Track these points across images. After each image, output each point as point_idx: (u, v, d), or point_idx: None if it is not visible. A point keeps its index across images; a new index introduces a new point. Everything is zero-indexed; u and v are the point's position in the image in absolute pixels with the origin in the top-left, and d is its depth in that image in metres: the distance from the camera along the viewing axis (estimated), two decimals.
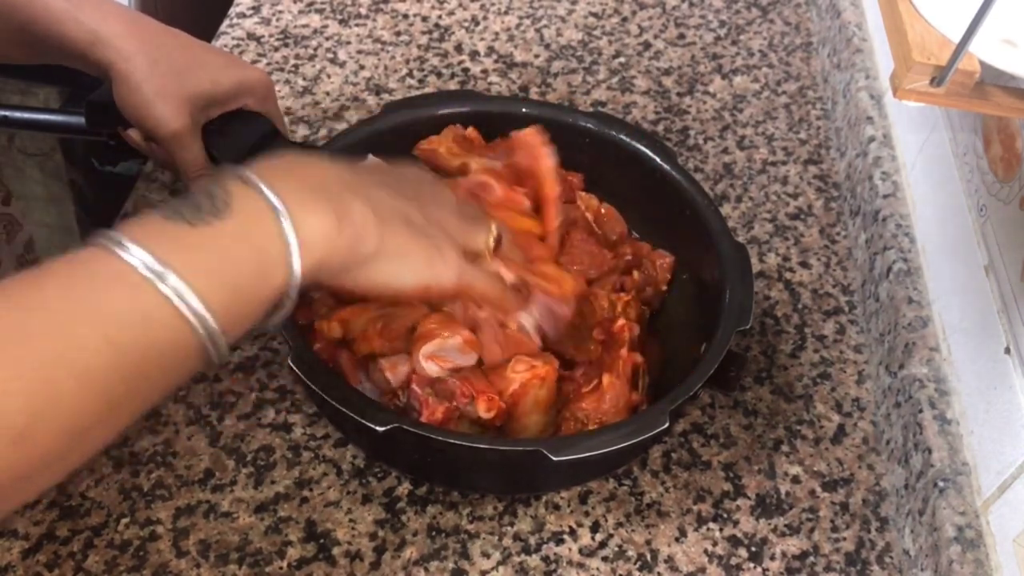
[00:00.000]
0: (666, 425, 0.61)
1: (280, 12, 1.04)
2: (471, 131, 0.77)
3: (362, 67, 1.00)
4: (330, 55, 1.00)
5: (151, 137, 0.70)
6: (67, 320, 0.41)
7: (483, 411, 0.63)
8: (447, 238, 0.58)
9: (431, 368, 0.63)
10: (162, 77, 0.67)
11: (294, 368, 0.60)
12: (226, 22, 1.03)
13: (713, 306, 0.69)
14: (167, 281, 0.42)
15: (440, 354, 0.63)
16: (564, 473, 0.67)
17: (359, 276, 0.53)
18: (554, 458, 0.59)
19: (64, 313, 0.41)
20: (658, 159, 0.77)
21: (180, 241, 0.44)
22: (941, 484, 0.66)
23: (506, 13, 1.08)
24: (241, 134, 0.74)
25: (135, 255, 0.42)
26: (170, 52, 0.68)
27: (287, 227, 0.47)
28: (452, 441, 0.60)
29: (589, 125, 0.79)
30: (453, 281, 0.58)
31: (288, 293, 0.48)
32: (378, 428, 0.58)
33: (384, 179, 0.58)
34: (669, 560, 0.67)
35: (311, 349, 0.64)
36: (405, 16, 1.06)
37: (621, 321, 0.69)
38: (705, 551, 0.68)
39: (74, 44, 0.66)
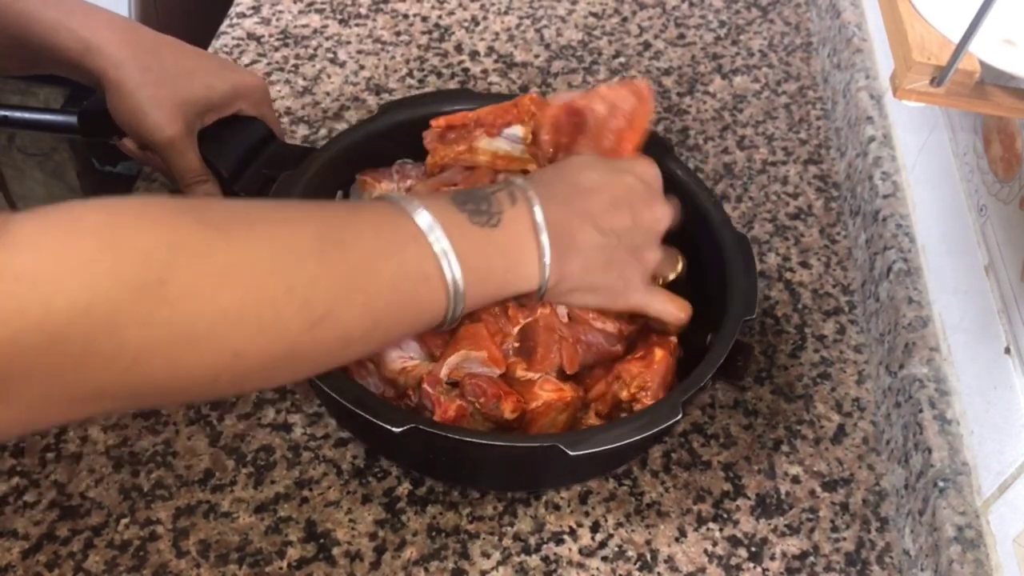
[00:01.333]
0: (680, 416, 0.61)
1: (280, 12, 1.04)
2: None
3: (362, 67, 1.00)
4: (330, 55, 1.00)
5: (146, 145, 0.70)
6: (372, 252, 0.51)
7: (508, 412, 0.64)
8: (638, 269, 0.64)
9: (445, 373, 0.64)
10: (155, 84, 0.67)
11: None
12: (226, 22, 1.03)
13: (717, 297, 0.70)
14: (448, 259, 0.53)
15: (464, 366, 0.64)
16: (574, 468, 0.68)
17: (548, 296, 0.62)
18: (571, 452, 0.59)
19: (372, 245, 0.51)
20: (657, 153, 0.77)
21: (462, 231, 0.54)
22: (941, 484, 0.66)
23: (506, 13, 1.08)
24: (237, 139, 0.74)
25: (436, 235, 0.53)
26: (162, 59, 0.68)
27: (543, 256, 0.59)
28: (468, 439, 0.60)
29: None
30: (628, 308, 0.66)
31: (509, 292, 0.60)
32: (395, 429, 0.58)
33: (605, 204, 0.62)
34: (669, 560, 0.67)
35: None
36: (405, 16, 1.06)
37: None
38: (705, 551, 0.68)
39: (67, 53, 0.66)
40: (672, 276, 0.69)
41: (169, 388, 0.45)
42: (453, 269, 0.53)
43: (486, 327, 0.65)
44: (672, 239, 0.77)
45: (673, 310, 0.67)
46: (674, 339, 0.69)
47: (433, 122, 0.74)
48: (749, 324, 0.68)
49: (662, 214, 0.64)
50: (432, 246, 0.53)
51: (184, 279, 0.43)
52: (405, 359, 0.65)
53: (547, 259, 0.58)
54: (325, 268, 0.48)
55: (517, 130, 0.74)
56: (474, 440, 0.60)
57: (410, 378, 0.65)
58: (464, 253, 0.54)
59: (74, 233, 0.41)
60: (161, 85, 0.67)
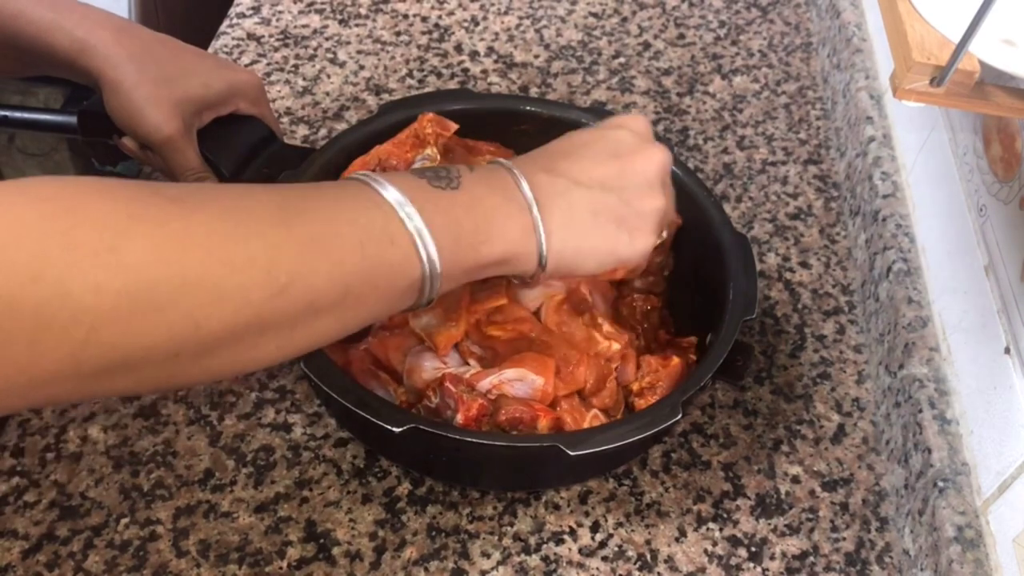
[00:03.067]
0: (680, 416, 0.61)
1: (280, 12, 1.04)
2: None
3: (362, 67, 1.00)
4: (330, 55, 1.00)
5: (145, 144, 0.70)
6: (334, 218, 0.50)
7: (544, 430, 0.64)
8: (638, 216, 0.61)
9: (484, 384, 0.65)
10: (152, 83, 0.67)
11: (305, 371, 0.61)
12: (226, 22, 1.03)
13: (717, 297, 0.70)
14: (412, 220, 0.52)
15: (515, 383, 0.65)
16: (574, 467, 0.68)
17: (551, 269, 0.59)
18: (571, 453, 0.59)
19: (333, 213, 0.50)
20: None
21: (423, 194, 0.54)
22: (941, 484, 0.66)
23: (506, 13, 1.08)
24: (235, 137, 0.74)
25: (391, 194, 0.52)
26: (159, 58, 0.68)
27: (531, 208, 0.57)
28: (469, 439, 0.60)
29: (588, 121, 0.79)
30: (639, 260, 0.62)
31: (487, 268, 0.57)
32: (395, 429, 0.59)
33: (589, 144, 0.61)
34: (669, 560, 0.67)
35: (320, 350, 0.64)
36: (405, 16, 1.06)
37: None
38: (705, 551, 0.68)
39: (63, 54, 0.66)
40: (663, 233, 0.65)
41: (128, 363, 0.43)
42: (416, 223, 0.52)
43: (558, 364, 0.66)
44: (672, 240, 0.77)
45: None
46: (692, 344, 0.71)
47: (352, 166, 0.74)
48: (749, 324, 0.68)
49: (654, 157, 0.62)
50: (394, 208, 0.52)
51: (139, 246, 0.42)
52: (442, 368, 0.66)
53: (535, 212, 0.57)
54: (287, 235, 0.48)
55: (429, 152, 0.74)
56: (474, 440, 0.60)
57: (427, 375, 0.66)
58: (426, 211, 0.53)
59: (28, 200, 0.40)
60: (158, 84, 0.67)
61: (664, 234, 0.66)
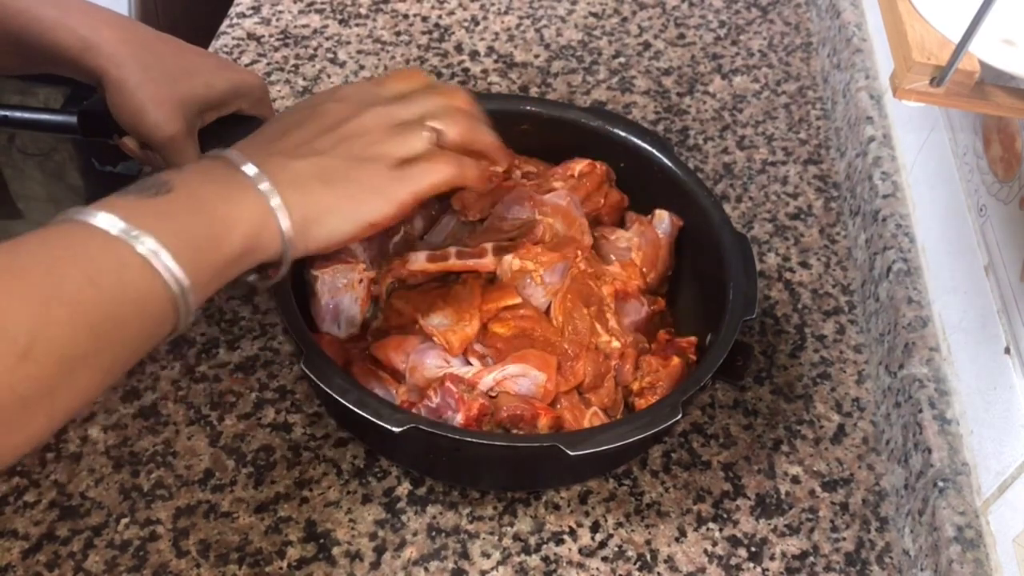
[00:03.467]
0: (680, 416, 0.61)
1: (280, 12, 1.04)
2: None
3: (362, 67, 1.00)
4: (330, 55, 1.00)
5: (146, 144, 0.70)
6: (52, 261, 0.46)
7: (544, 428, 0.64)
8: (371, 165, 0.59)
9: (486, 381, 0.65)
10: (155, 83, 0.67)
11: (306, 371, 0.61)
12: (226, 22, 1.03)
13: (717, 297, 0.70)
14: (134, 235, 0.48)
15: (516, 379, 0.65)
16: (574, 467, 0.68)
17: (300, 244, 0.56)
18: (571, 453, 0.59)
19: (49, 257, 0.46)
20: (656, 152, 0.77)
21: (135, 209, 0.49)
22: (941, 484, 0.66)
23: (506, 13, 1.08)
24: (237, 138, 0.73)
25: (102, 219, 0.48)
26: (162, 58, 0.68)
27: (257, 183, 0.54)
28: (469, 439, 0.60)
29: (587, 121, 0.79)
30: (394, 207, 0.59)
31: (236, 262, 0.54)
32: (395, 429, 0.59)
33: (302, 123, 0.59)
34: (669, 560, 0.67)
35: (320, 350, 0.64)
36: (405, 16, 1.06)
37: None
38: (705, 551, 0.68)
39: (66, 52, 0.66)
40: (427, 142, 0.60)
41: None
42: (141, 238, 0.48)
43: (559, 361, 0.66)
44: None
45: (447, 168, 0.60)
46: (692, 344, 0.71)
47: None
48: (749, 324, 0.68)
49: (365, 117, 0.60)
50: (109, 231, 0.47)
51: None
52: (445, 367, 0.66)
53: (263, 186, 0.54)
54: (6, 293, 0.43)
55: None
56: (474, 440, 0.60)
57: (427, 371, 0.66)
58: (146, 222, 0.48)
59: None
60: (161, 83, 0.67)
61: (439, 178, 0.60)
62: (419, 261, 0.71)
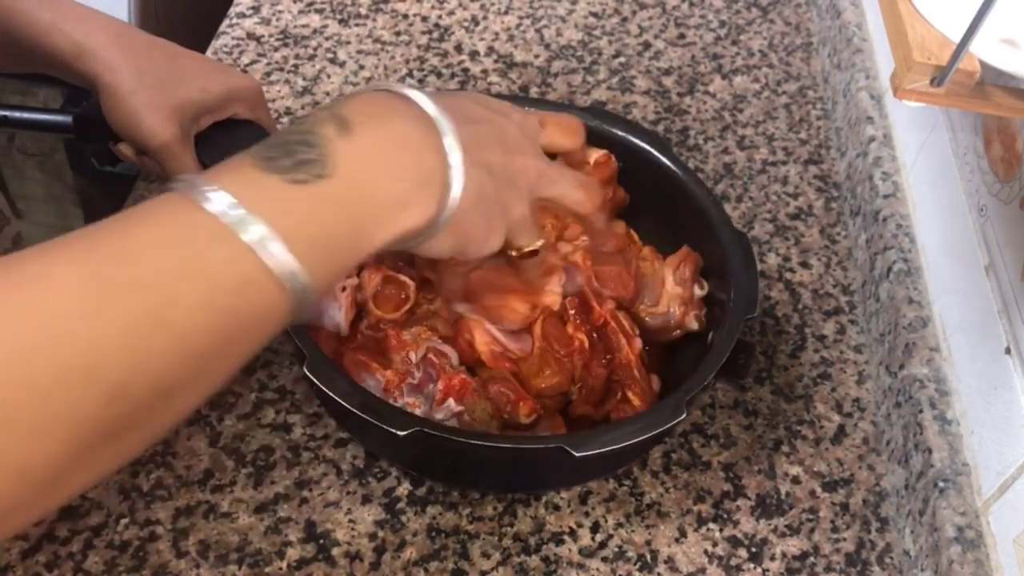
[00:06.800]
0: (684, 416, 0.61)
1: (280, 12, 1.04)
2: None
3: (362, 67, 0.99)
4: (330, 55, 1.00)
5: (142, 149, 0.70)
6: (161, 277, 0.39)
7: (524, 417, 0.64)
8: (502, 217, 0.55)
9: (481, 339, 0.66)
10: (149, 88, 0.66)
11: (309, 375, 0.60)
12: (226, 22, 1.03)
13: (718, 296, 0.70)
14: (267, 247, 0.41)
15: (495, 332, 0.66)
16: (577, 468, 0.68)
17: (422, 249, 0.52)
18: (576, 454, 0.59)
19: (158, 269, 0.39)
20: (655, 152, 0.77)
21: (279, 203, 0.42)
22: (941, 484, 0.66)
23: (506, 13, 1.08)
24: (233, 142, 0.73)
25: (242, 221, 0.40)
26: (157, 63, 0.68)
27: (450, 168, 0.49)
28: (474, 442, 0.60)
29: (587, 121, 0.79)
30: (482, 255, 0.56)
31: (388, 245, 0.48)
32: (399, 432, 0.58)
33: (481, 136, 0.54)
34: (669, 560, 0.67)
35: (322, 353, 0.63)
36: (405, 16, 1.06)
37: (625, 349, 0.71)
38: (705, 551, 0.68)
39: (60, 56, 0.66)
40: (527, 248, 0.61)
41: None
42: (283, 264, 0.41)
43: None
44: (671, 240, 0.77)
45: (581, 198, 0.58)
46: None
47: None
48: (749, 324, 0.68)
49: (530, 166, 0.56)
50: (239, 236, 0.40)
51: None
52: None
53: (449, 140, 0.49)
54: (101, 323, 0.37)
55: None
56: (479, 442, 0.60)
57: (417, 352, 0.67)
58: (289, 231, 0.41)
59: None
60: (156, 89, 0.67)
61: (527, 248, 0.59)
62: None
